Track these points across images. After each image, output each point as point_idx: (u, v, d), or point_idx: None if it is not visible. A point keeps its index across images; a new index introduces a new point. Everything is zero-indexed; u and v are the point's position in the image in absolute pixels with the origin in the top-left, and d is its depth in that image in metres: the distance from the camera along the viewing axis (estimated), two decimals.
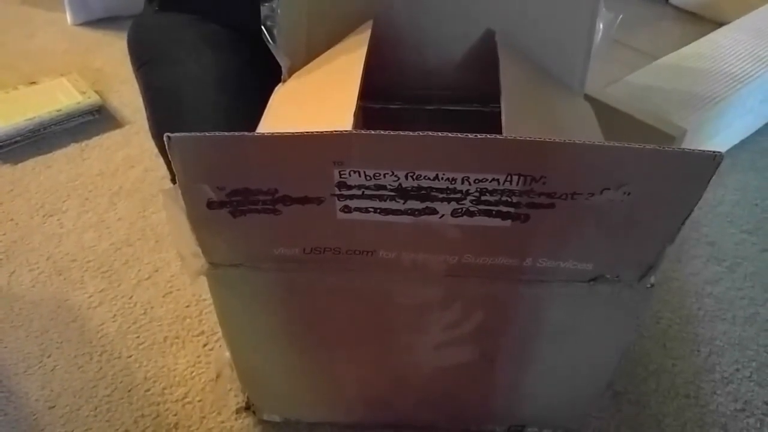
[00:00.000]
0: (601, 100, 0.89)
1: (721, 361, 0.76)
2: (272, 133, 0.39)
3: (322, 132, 0.39)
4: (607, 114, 0.88)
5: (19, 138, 1.08)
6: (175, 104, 0.71)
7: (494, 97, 0.50)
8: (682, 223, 0.43)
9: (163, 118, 0.73)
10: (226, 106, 0.69)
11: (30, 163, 1.05)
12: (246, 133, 0.40)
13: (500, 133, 0.44)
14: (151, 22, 0.87)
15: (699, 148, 0.38)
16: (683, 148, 0.38)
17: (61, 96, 1.15)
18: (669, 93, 0.97)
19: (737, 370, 0.75)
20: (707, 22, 1.50)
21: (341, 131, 0.39)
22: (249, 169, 0.41)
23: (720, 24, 1.29)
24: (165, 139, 0.39)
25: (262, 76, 0.63)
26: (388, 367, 0.59)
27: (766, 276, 0.87)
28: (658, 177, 0.40)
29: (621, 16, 0.62)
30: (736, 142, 1.09)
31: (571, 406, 0.64)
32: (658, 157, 0.39)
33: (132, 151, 1.08)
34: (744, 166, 1.06)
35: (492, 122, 0.47)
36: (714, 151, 0.38)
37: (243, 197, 0.43)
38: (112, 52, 1.35)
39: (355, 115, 0.46)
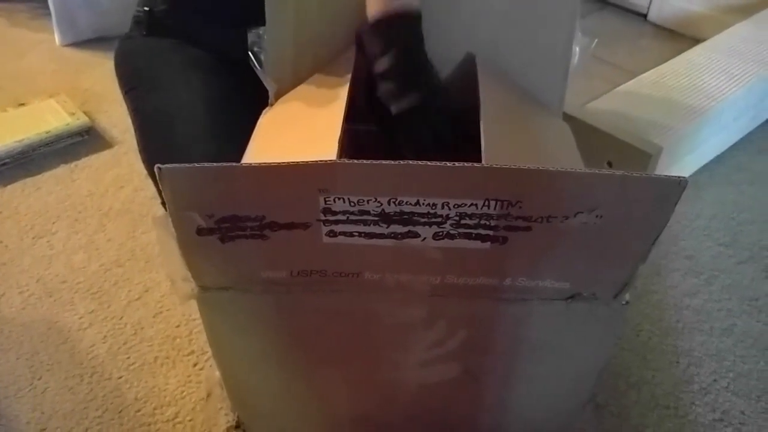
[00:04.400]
0: (580, 119, 0.92)
1: (700, 372, 0.78)
2: (259, 164, 0.41)
3: (307, 162, 0.40)
4: (585, 132, 0.90)
5: (8, 160, 1.09)
6: (164, 130, 0.72)
7: (474, 117, 0.52)
8: (653, 243, 0.45)
9: (154, 143, 0.74)
10: (215, 131, 0.70)
11: (19, 185, 1.06)
12: (234, 164, 0.41)
13: (480, 152, 0.46)
14: (138, 45, 0.87)
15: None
16: (650, 174, 0.40)
17: (50, 117, 1.17)
18: (646, 110, 0.99)
19: (715, 380, 0.77)
20: (685, 39, 1.54)
21: (326, 161, 0.41)
22: (237, 198, 0.43)
23: (696, 40, 1.33)
24: (156, 170, 0.40)
25: (249, 100, 0.64)
26: (375, 385, 0.60)
27: (742, 288, 0.89)
28: (628, 201, 0.42)
29: (596, 40, 0.64)
30: (712, 157, 1.12)
31: (554, 420, 0.66)
32: (627, 182, 0.41)
33: (121, 172, 1.09)
34: (720, 180, 1.09)
35: (472, 141, 0.49)
36: (679, 177, 0.40)
37: (231, 224, 0.44)
38: (101, 73, 1.36)
39: (340, 139, 0.48)
